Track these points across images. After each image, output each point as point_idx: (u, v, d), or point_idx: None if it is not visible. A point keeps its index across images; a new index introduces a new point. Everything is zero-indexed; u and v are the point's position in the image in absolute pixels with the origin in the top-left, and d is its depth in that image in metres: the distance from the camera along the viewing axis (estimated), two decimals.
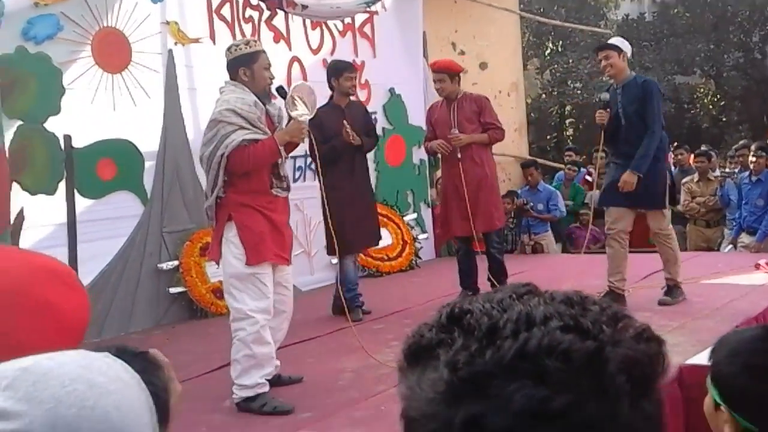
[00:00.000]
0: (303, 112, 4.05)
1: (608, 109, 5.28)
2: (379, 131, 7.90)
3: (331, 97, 5.69)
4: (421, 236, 8.13)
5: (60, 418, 0.72)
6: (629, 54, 5.40)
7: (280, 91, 4.24)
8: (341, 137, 5.40)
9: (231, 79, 4.04)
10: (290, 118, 4.08)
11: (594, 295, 0.67)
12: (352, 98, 5.83)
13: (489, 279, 5.80)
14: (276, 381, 4.04)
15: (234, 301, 3.86)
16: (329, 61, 7.32)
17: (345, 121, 5.46)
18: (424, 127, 8.29)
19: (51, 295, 1.29)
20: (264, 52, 4.11)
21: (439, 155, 5.98)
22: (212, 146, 3.85)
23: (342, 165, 5.45)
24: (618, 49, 5.29)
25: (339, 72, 5.64)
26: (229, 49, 4.09)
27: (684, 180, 8.20)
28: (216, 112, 3.88)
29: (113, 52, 5.79)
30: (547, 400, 0.56)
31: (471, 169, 5.69)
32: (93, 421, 0.73)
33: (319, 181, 5.03)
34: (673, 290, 5.34)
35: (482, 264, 5.83)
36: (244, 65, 3.99)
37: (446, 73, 5.79)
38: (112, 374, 0.80)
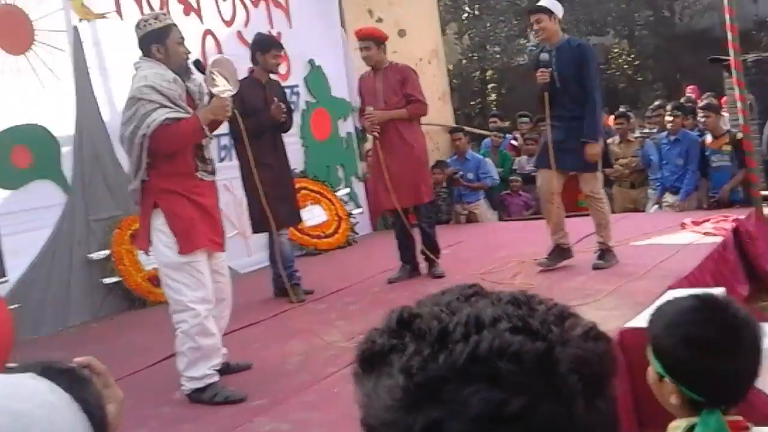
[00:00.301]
0: (225, 88, 3.82)
1: (549, 68, 5.25)
2: (302, 105, 7.78)
3: (252, 71, 5.52)
4: (356, 211, 8.07)
5: None
6: (560, 15, 5.34)
7: (198, 65, 4.01)
8: (267, 113, 5.26)
9: (144, 55, 3.82)
10: (211, 95, 3.86)
11: (537, 295, 0.67)
12: (272, 75, 5.65)
13: (423, 252, 5.78)
14: (225, 369, 3.94)
15: (172, 292, 3.71)
16: (243, 32, 7.16)
17: (275, 98, 5.33)
18: (348, 99, 8.27)
19: None
20: (175, 25, 3.90)
21: None
22: (132, 125, 3.63)
23: (266, 141, 5.28)
24: (549, 12, 5.24)
25: (266, 48, 5.46)
26: (138, 25, 3.86)
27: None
28: (134, 89, 3.65)
29: (14, 32, 5.48)
30: (503, 403, 0.57)
31: (394, 143, 5.59)
32: None
33: (245, 156, 4.71)
34: (605, 254, 5.42)
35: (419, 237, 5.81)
36: (157, 41, 3.78)
37: (372, 41, 5.66)
38: (37, 399, 0.76)
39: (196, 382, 3.72)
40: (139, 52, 3.85)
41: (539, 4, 5.35)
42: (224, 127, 4.70)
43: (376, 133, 5.58)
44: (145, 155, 3.65)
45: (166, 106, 3.65)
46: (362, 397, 0.64)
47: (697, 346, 1.41)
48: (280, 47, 5.64)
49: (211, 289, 3.79)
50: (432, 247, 5.78)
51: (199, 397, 3.72)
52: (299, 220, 5.93)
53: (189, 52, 3.92)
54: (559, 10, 5.32)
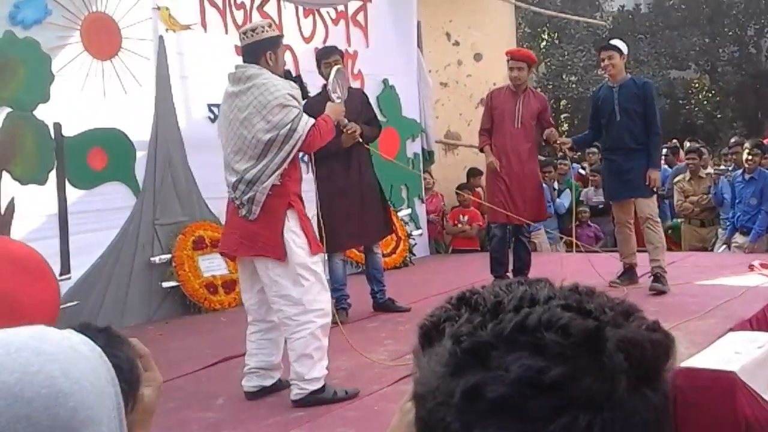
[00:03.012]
0: (338, 95, 4.20)
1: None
2: None
3: (325, 85, 5.54)
4: (415, 232, 8.08)
5: (1, 382, 0.71)
6: (626, 55, 5.91)
7: (288, 75, 4.09)
8: (338, 138, 5.07)
9: (251, 62, 3.85)
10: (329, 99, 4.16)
11: (604, 292, 0.66)
12: (352, 85, 5.66)
13: (514, 269, 6.02)
14: (279, 385, 3.94)
15: (303, 292, 3.68)
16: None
17: (348, 123, 5.12)
18: (419, 120, 8.31)
19: (11, 285, 1.29)
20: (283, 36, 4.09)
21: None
22: (286, 129, 3.70)
23: (338, 157, 5.18)
24: (620, 51, 5.74)
25: (326, 56, 5.41)
26: (253, 30, 3.90)
27: (676, 179, 8.17)
28: (281, 96, 3.71)
29: (103, 38, 5.70)
30: (544, 370, 0.57)
31: (518, 165, 5.92)
32: (36, 385, 0.72)
33: (312, 171, 4.78)
34: (662, 278, 5.62)
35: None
36: (270, 48, 3.85)
37: (526, 62, 6.05)
38: (65, 344, 0.78)
39: (317, 382, 3.73)
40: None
41: (611, 42, 5.95)
42: None
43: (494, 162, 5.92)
44: (292, 156, 3.75)
45: (302, 111, 3.82)
46: (417, 371, 0.65)
47: None
48: (339, 52, 5.57)
49: None
50: (528, 261, 6.07)
51: (317, 398, 3.72)
52: (371, 239, 5.67)
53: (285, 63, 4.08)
54: (626, 50, 5.88)
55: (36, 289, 3.64)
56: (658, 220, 5.85)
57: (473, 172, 8.77)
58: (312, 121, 3.81)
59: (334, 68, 4.49)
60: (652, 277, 5.66)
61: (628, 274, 5.87)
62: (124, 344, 0.95)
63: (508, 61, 6.11)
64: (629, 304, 0.65)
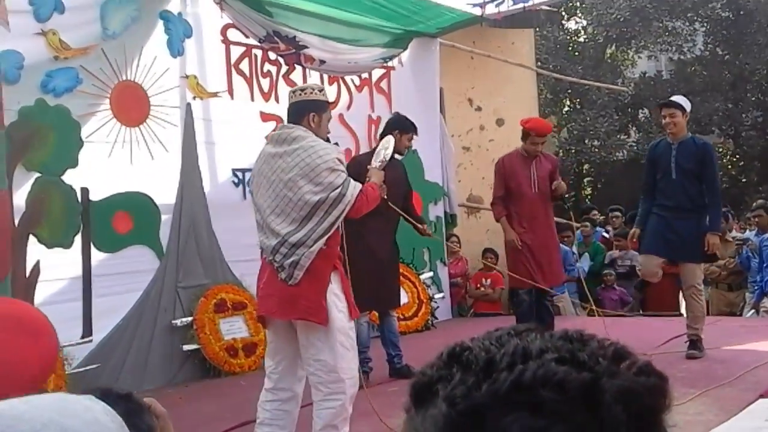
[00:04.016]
0: (382, 161, 4.24)
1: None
2: None
3: (376, 147, 5.56)
4: (437, 296, 8.03)
5: None
6: (689, 113, 5.74)
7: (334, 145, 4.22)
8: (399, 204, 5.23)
9: (293, 121, 3.83)
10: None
11: (595, 335, 0.66)
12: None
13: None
14: None
15: (339, 359, 3.58)
16: (344, 115, 7.40)
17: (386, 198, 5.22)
18: (441, 183, 8.36)
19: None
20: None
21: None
22: (334, 192, 3.64)
23: (374, 216, 5.03)
24: (683, 109, 5.59)
25: (406, 130, 5.48)
26: (303, 90, 3.91)
27: None
28: (330, 160, 3.66)
29: (131, 106, 5.83)
30: (543, 430, 0.56)
31: (538, 230, 5.96)
32: None
33: (356, 232, 4.63)
34: (698, 344, 5.51)
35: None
36: (316, 111, 3.81)
37: (544, 137, 6.13)
38: (89, 417, 0.77)
39: None
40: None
41: (673, 99, 5.80)
42: None
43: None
44: (340, 220, 3.71)
45: (349, 177, 3.78)
46: (412, 430, 0.64)
47: None
48: (417, 132, 5.66)
49: None
50: (552, 326, 5.84)
51: None
52: (393, 304, 5.70)
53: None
54: (689, 108, 5.70)
55: (30, 348, 3.57)
56: (701, 288, 5.71)
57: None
58: (360, 186, 3.78)
59: (386, 139, 4.54)
60: (688, 343, 5.53)
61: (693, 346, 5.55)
62: (145, 413, 0.94)
63: (529, 134, 6.00)
64: (620, 347, 0.65)
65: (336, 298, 3.65)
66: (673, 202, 5.52)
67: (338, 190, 3.65)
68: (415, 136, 5.62)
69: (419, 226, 5.62)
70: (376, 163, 4.27)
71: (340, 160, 3.75)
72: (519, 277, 5.94)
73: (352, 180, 3.77)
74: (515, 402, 0.58)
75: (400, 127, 5.49)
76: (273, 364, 3.78)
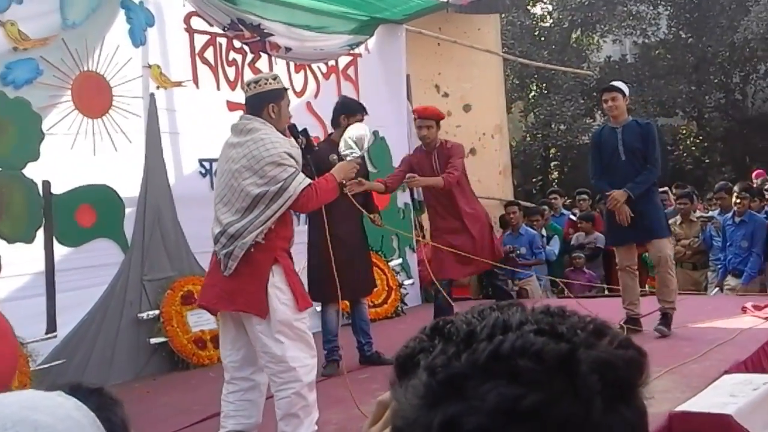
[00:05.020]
0: (355, 151, 4.04)
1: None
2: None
3: (331, 134, 5.50)
4: (407, 282, 8.05)
5: None
6: (628, 96, 5.87)
7: (293, 129, 4.08)
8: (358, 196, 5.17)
9: (253, 114, 3.82)
10: (340, 158, 4.06)
11: (576, 311, 0.67)
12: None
13: None
14: None
15: (287, 350, 3.61)
16: (312, 103, 7.37)
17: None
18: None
19: None
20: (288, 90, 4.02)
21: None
22: (276, 186, 3.64)
23: (339, 210, 5.07)
24: (623, 92, 5.72)
25: (353, 112, 5.36)
26: (257, 82, 3.87)
27: None
28: (276, 154, 3.66)
29: (94, 97, 5.74)
30: (520, 398, 0.58)
31: (450, 218, 5.81)
32: None
33: (322, 222, 4.54)
34: (669, 319, 5.61)
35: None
36: (273, 101, 3.80)
37: (435, 120, 5.81)
38: (61, 413, 0.76)
39: None
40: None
41: (613, 84, 5.95)
42: None
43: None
44: (279, 215, 3.68)
45: (298, 171, 3.75)
46: (395, 404, 0.65)
47: None
48: (365, 112, 5.52)
49: None
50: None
51: None
52: (363, 292, 5.70)
53: (290, 116, 4.00)
54: (627, 92, 5.86)
55: None
56: (672, 260, 5.80)
57: None
58: (307, 181, 3.73)
59: (350, 129, 4.32)
60: (661, 317, 5.59)
61: (630, 322, 5.64)
62: (117, 406, 0.92)
63: (415, 120, 5.88)
64: (601, 322, 0.65)
65: (278, 290, 3.66)
66: (623, 185, 5.53)
67: (279, 185, 3.65)
68: (363, 117, 5.36)
69: (370, 216, 5.56)
70: (350, 155, 4.08)
71: (289, 154, 3.72)
72: (433, 270, 5.90)
73: (300, 175, 3.72)
74: (493, 371, 0.59)
75: (345, 111, 5.39)
76: (229, 354, 3.80)
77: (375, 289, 6.52)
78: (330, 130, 5.70)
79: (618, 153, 5.60)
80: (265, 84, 3.85)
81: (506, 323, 0.63)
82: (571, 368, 0.59)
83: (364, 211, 5.37)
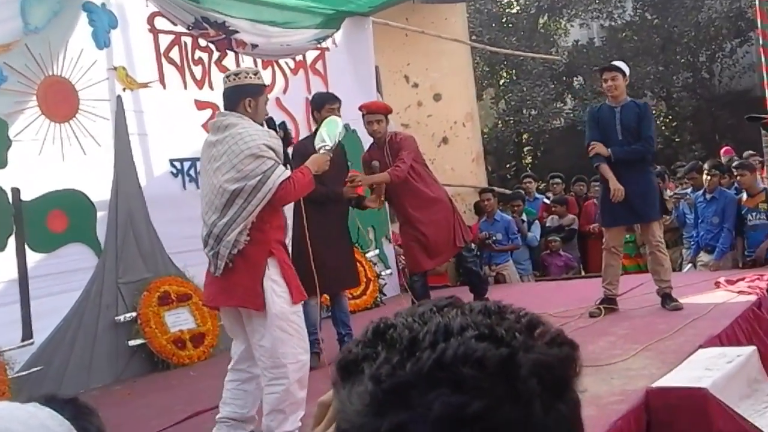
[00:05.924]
0: (327, 143, 4.02)
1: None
2: None
3: (316, 130, 5.51)
4: (385, 272, 8.06)
5: None
6: (628, 76, 5.84)
7: (270, 123, 4.03)
8: (339, 187, 5.25)
9: (229, 107, 3.81)
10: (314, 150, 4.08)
11: (511, 305, 0.69)
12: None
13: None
14: None
15: (280, 344, 3.59)
16: (281, 99, 7.35)
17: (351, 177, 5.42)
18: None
19: None
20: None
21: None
22: (254, 180, 3.60)
23: (328, 210, 5.23)
24: (623, 72, 5.72)
25: (321, 104, 5.37)
26: (236, 75, 3.86)
27: None
28: (254, 146, 3.62)
29: (60, 101, 5.68)
30: (464, 405, 0.59)
31: (421, 201, 5.82)
32: None
33: (300, 214, 4.56)
34: (672, 295, 5.68)
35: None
36: (251, 96, 3.79)
37: (384, 114, 5.75)
38: (34, 423, 0.76)
39: None
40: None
41: (614, 63, 5.99)
42: None
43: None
44: (260, 208, 3.65)
45: (278, 163, 3.72)
46: (338, 403, 0.67)
47: None
48: (336, 100, 5.47)
49: None
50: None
51: None
52: (345, 285, 5.71)
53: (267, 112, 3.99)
54: (627, 71, 5.85)
55: None
56: (663, 241, 5.85)
57: None
58: (287, 173, 3.71)
59: (325, 122, 4.29)
60: (663, 297, 5.68)
61: (607, 302, 5.76)
62: (93, 415, 0.92)
63: (363, 116, 5.77)
64: (532, 317, 0.68)
65: (274, 283, 3.65)
66: (620, 164, 5.57)
67: (258, 178, 3.63)
68: (333, 105, 5.34)
69: (368, 204, 5.71)
70: (322, 147, 4.07)
71: (268, 146, 3.69)
72: (409, 260, 5.97)
73: (280, 167, 3.71)
74: (438, 379, 0.61)
75: (315, 106, 5.41)
76: (235, 344, 3.88)
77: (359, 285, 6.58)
78: (300, 125, 5.69)
79: (615, 132, 5.65)
80: (245, 77, 3.84)
81: (447, 328, 0.64)
82: (511, 373, 0.62)
83: (358, 206, 5.58)
